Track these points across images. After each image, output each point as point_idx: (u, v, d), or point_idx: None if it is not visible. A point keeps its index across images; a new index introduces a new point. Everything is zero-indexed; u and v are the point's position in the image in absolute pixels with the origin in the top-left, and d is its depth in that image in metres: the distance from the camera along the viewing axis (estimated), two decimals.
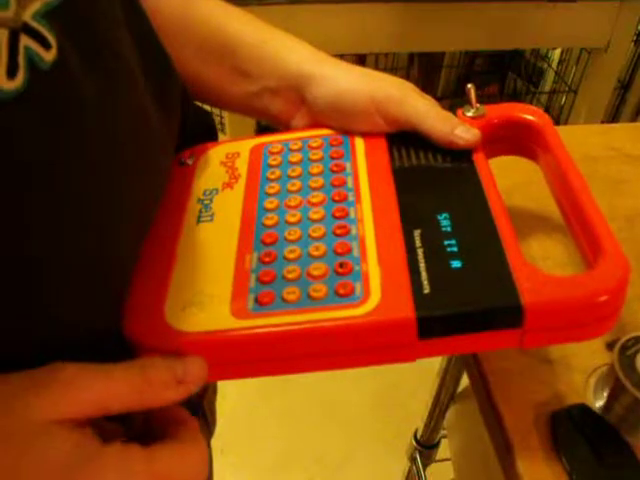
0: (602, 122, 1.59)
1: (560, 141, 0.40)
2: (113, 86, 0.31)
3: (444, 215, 0.34)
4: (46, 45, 0.25)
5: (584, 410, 0.39)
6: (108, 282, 0.31)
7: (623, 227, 0.52)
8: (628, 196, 0.56)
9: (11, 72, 0.23)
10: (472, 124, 0.40)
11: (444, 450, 0.89)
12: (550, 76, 1.82)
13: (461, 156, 0.39)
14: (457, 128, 0.39)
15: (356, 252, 0.33)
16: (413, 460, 0.93)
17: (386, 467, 1.24)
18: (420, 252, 0.32)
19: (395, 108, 0.40)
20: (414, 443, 0.92)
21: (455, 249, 0.32)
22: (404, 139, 0.40)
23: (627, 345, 0.39)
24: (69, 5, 0.27)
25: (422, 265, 0.32)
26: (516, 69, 1.92)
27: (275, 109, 0.44)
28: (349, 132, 0.42)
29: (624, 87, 1.71)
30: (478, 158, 0.39)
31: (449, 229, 0.33)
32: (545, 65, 1.85)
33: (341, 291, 0.31)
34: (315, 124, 0.43)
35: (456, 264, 0.32)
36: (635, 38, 1.55)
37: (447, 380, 0.76)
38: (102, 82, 0.30)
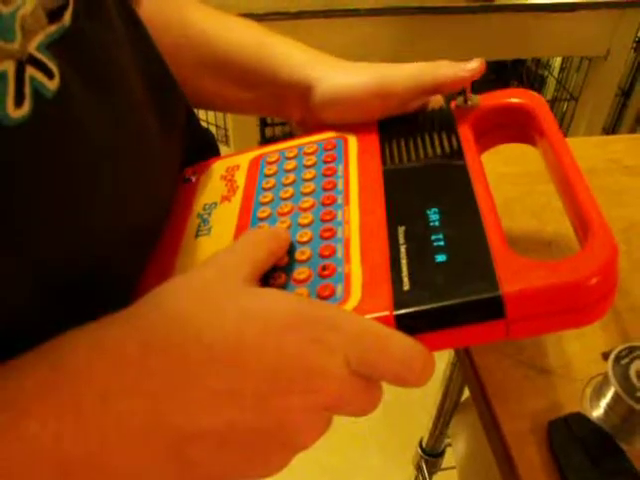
0: (603, 129, 1.60)
1: (554, 122, 0.40)
2: (116, 111, 0.33)
3: (433, 210, 0.34)
4: (49, 75, 0.27)
5: (580, 418, 0.40)
6: (112, 299, 0.32)
7: (620, 239, 0.52)
8: (626, 207, 0.57)
9: (18, 101, 0.25)
10: (467, 115, 0.41)
11: (449, 458, 0.89)
12: (551, 84, 1.83)
13: (452, 152, 0.38)
14: (459, 65, 0.40)
15: (340, 254, 0.33)
16: (419, 469, 0.94)
17: (392, 476, 1.24)
18: (403, 249, 0.32)
19: (397, 78, 0.40)
20: (420, 452, 0.93)
21: (442, 243, 0.32)
22: (396, 137, 0.40)
23: (621, 355, 0.39)
24: (71, 36, 0.28)
25: (404, 262, 0.31)
26: (518, 77, 1.93)
27: (281, 111, 0.45)
28: (344, 130, 0.42)
29: (625, 94, 1.72)
30: (469, 152, 0.38)
31: (437, 223, 0.33)
32: (546, 73, 1.86)
33: (322, 293, 0.31)
34: (319, 124, 0.43)
35: (441, 258, 0.31)
36: (635, 46, 1.56)
37: (450, 389, 0.77)
38: (105, 107, 0.31)
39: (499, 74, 1.92)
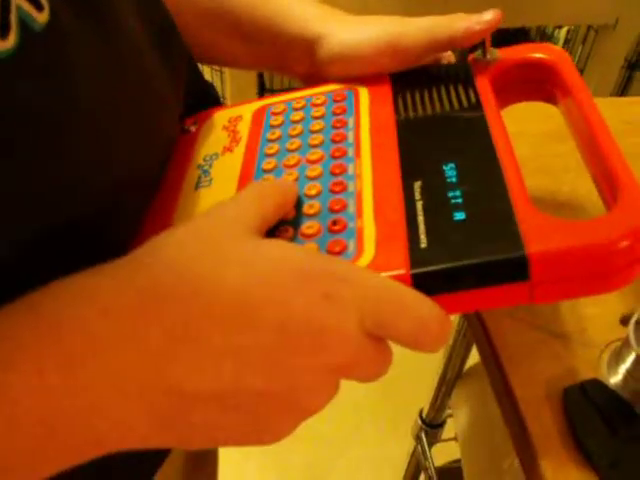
0: None
1: (579, 78, 0.38)
2: (112, 49, 0.30)
3: (450, 165, 0.32)
4: (38, 6, 0.25)
5: (597, 385, 0.38)
6: (107, 251, 0.30)
7: None
8: None
9: (3, 32, 0.23)
10: (485, 69, 0.39)
11: (450, 429, 0.88)
12: None
13: (469, 104, 0.36)
14: (472, 18, 0.38)
15: (352, 208, 0.31)
16: (418, 439, 0.93)
17: (391, 447, 1.24)
18: (419, 205, 0.30)
19: (409, 33, 0.38)
20: (419, 422, 0.92)
21: (460, 200, 0.30)
22: (410, 89, 0.39)
23: None
24: None
25: (420, 218, 0.30)
26: None
27: (285, 66, 0.44)
28: (355, 82, 0.40)
29: (631, 67, 1.69)
30: (487, 105, 0.36)
31: (454, 179, 0.31)
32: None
33: (333, 249, 0.29)
34: (325, 79, 0.42)
35: (459, 216, 0.29)
36: None
37: (453, 358, 0.76)
38: (100, 45, 0.29)
39: (502, 45, 1.88)
